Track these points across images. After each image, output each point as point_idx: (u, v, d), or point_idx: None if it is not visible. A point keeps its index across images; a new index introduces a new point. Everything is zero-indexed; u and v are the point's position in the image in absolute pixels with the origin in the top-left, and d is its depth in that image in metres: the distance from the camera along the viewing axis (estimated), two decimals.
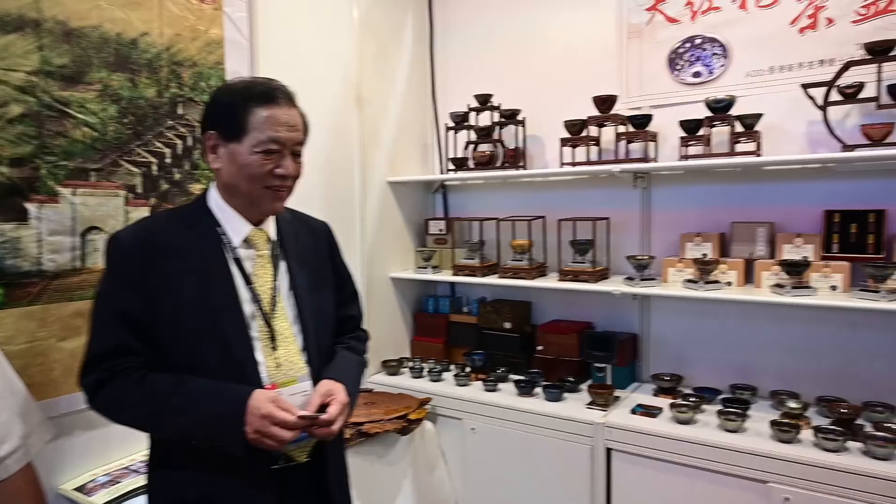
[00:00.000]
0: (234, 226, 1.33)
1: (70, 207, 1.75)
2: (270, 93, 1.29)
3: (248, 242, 1.34)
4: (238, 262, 1.31)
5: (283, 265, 1.39)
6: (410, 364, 2.86)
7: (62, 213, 1.73)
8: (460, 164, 2.87)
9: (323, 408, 1.26)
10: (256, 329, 1.29)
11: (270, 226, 1.39)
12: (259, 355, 1.28)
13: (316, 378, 1.34)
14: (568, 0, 2.71)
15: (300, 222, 1.51)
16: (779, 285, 2.12)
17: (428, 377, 2.75)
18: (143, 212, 1.88)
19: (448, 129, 2.90)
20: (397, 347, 3.02)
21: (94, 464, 1.78)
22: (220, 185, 1.34)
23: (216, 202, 1.34)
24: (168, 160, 1.98)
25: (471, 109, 2.81)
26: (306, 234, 1.49)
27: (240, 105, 1.26)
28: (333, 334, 1.48)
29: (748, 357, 2.38)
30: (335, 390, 1.30)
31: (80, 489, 1.68)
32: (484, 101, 2.78)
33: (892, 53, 1.96)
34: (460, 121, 2.85)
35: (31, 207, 1.66)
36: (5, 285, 1.61)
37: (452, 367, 2.87)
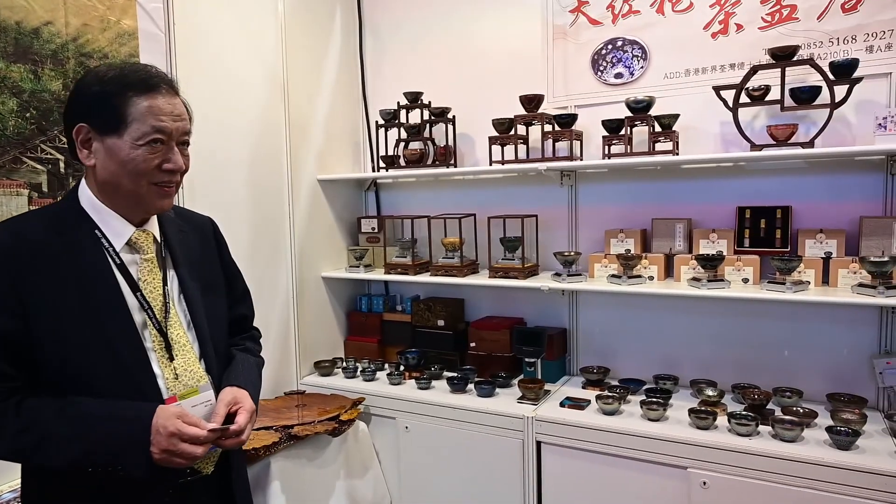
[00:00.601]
0: (114, 228, 1.21)
1: None
2: (150, 80, 1.17)
3: (131, 246, 1.23)
4: (122, 267, 1.20)
5: (170, 266, 1.30)
6: (343, 364, 2.83)
7: None
8: (391, 161, 2.85)
9: (230, 417, 1.21)
10: (150, 339, 1.20)
11: (154, 226, 1.28)
12: (155, 367, 1.20)
13: (217, 386, 1.28)
14: (496, 1, 2.73)
15: (184, 220, 1.41)
16: (696, 279, 2.21)
17: (361, 377, 2.73)
18: None
19: (378, 126, 2.87)
20: (330, 348, 2.97)
21: (7, 477, 1.66)
22: (95, 184, 1.20)
23: (90, 202, 1.20)
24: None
25: (401, 107, 2.80)
26: (192, 231, 1.40)
27: (116, 94, 1.14)
28: (227, 336, 1.42)
29: (670, 348, 2.48)
30: (240, 398, 1.26)
31: None
32: (414, 99, 2.77)
33: (794, 59, 2.08)
34: (390, 118, 2.83)
35: None
36: None
37: (386, 366, 2.86)
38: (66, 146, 1.84)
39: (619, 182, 2.53)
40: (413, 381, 2.61)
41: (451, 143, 2.74)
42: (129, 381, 1.16)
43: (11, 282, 1.10)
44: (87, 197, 1.21)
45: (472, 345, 2.73)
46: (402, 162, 2.83)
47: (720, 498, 1.92)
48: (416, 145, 2.80)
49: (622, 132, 2.35)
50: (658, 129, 2.30)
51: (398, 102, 2.80)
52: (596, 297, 2.60)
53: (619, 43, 2.50)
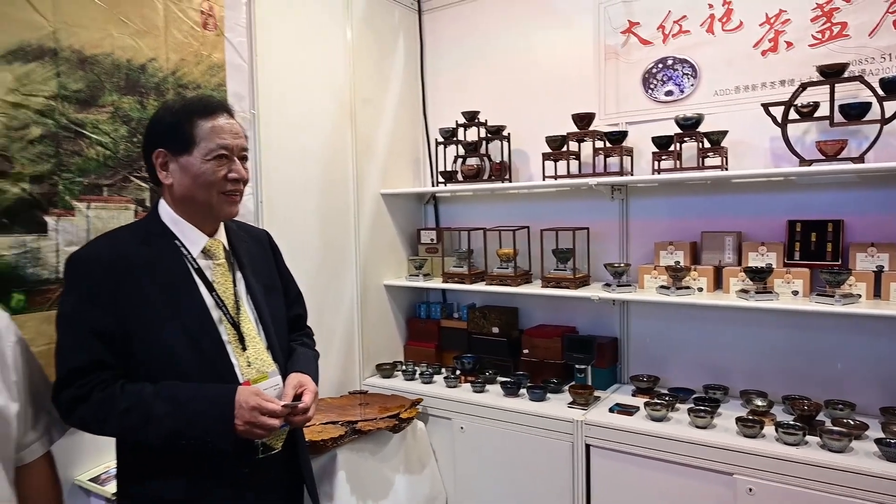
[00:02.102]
0: (191, 238, 1.43)
1: (85, 220, 1.89)
2: (210, 105, 1.42)
3: (205, 253, 1.44)
4: (199, 271, 1.41)
5: (238, 272, 1.50)
6: (403, 367, 3.00)
7: (77, 226, 1.88)
8: (449, 177, 3.02)
9: (297, 398, 1.41)
10: (225, 332, 1.40)
11: (223, 236, 1.50)
12: (231, 356, 1.39)
13: (283, 372, 1.48)
14: (549, 22, 2.88)
15: (244, 231, 1.64)
16: (744, 290, 2.26)
17: (420, 379, 2.89)
18: None
19: (437, 143, 3.05)
20: (391, 352, 3.15)
21: (107, 458, 1.91)
22: (173, 200, 1.42)
23: (170, 217, 1.43)
24: None
25: (459, 125, 2.97)
26: (252, 241, 1.62)
27: (185, 120, 1.38)
28: (287, 332, 1.63)
29: (720, 358, 2.53)
30: (305, 381, 1.46)
31: (94, 480, 1.82)
32: (471, 118, 2.94)
33: (843, 76, 2.12)
34: (449, 136, 3.01)
35: (49, 220, 1.81)
36: (26, 292, 1.76)
37: (443, 370, 3.01)
38: None
39: (669, 196, 2.61)
40: (468, 384, 2.75)
41: (506, 158, 2.89)
42: (211, 368, 1.36)
43: (110, 288, 1.31)
44: (166, 213, 1.43)
45: (525, 351, 2.85)
46: (459, 177, 3.00)
47: None
48: (472, 161, 2.96)
49: (671, 148, 2.44)
50: (707, 144, 2.37)
51: (456, 121, 2.97)
52: (646, 307, 2.68)
53: (670, 62, 2.58)
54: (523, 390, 2.63)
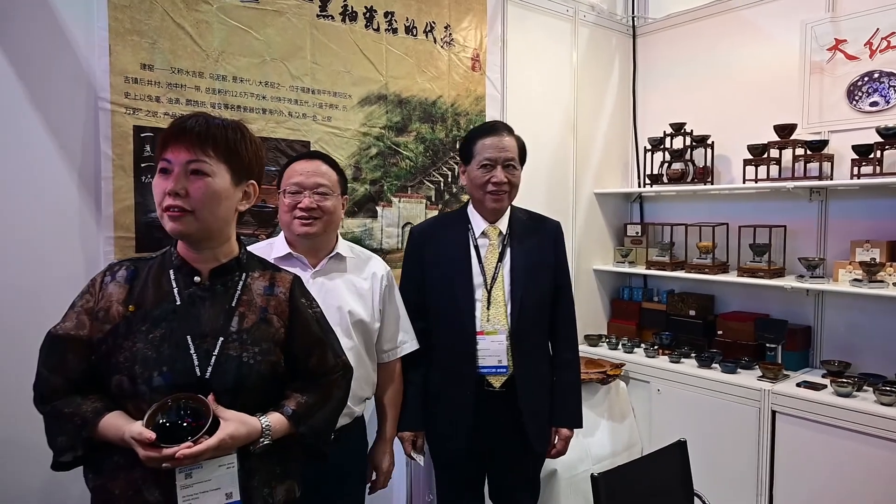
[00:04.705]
0: (477, 223, 2.00)
1: (397, 210, 2.78)
2: (489, 128, 1.97)
3: (484, 234, 2.00)
4: (476, 248, 1.98)
5: (508, 252, 1.98)
6: (607, 339, 3.57)
7: (393, 213, 2.77)
8: (655, 179, 3.51)
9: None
10: (479, 294, 1.94)
11: (503, 223, 2.01)
12: (477, 312, 1.94)
13: (512, 334, 1.93)
14: (755, 40, 3.22)
15: (533, 221, 2.09)
16: None
17: (622, 349, 3.44)
18: (434, 213, 2.87)
19: (646, 150, 3.56)
20: (595, 327, 3.74)
21: None
22: (469, 196, 2.06)
23: (470, 209, 2.04)
24: (449, 179, 2.96)
25: (666, 135, 3.45)
26: (535, 230, 2.05)
27: (471, 140, 1.97)
28: (541, 308, 2.02)
29: None
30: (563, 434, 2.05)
31: None
32: (678, 129, 3.40)
33: None
34: (657, 144, 3.50)
35: (378, 209, 2.72)
36: None
37: (642, 344, 3.52)
38: (444, 173, 2.93)
39: (869, 199, 2.84)
40: (665, 357, 3.24)
41: (708, 163, 3.30)
42: (461, 316, 1.93)
43: (420, 250, 2.03)
44: (470, 207, 2.07)
45: (720, 332, 3.25)
46: (664, 179, 3.47)
47: None
48: (677, 166, 3.42)
49: (871, 155, 2.68)
50: None
51: (664, 131, 3.45)
52: (841, 299, 2.92)
53: (876, 75, 2.81)
54: (716, 364, 3.05)
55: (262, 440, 1.25)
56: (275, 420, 1.28)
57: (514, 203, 2.08)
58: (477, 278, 1.96)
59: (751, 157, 3.08)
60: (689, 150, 3.37)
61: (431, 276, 2.00)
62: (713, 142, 3.29)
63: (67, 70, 1.98)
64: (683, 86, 3.55)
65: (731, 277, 3.11)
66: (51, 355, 1.27)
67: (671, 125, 3.41)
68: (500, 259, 1.98)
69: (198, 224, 1.23)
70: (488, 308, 1.95)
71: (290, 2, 2.40)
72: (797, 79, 3.06)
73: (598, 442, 3.03)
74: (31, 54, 1.93)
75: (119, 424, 1.20)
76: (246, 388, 1.26)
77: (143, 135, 2.09)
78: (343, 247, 1.86)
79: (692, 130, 3.36)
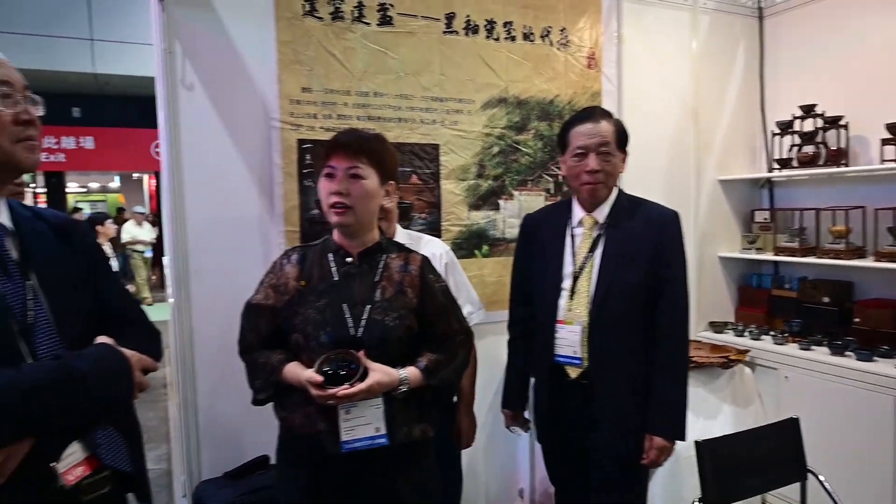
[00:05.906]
0: (576, 212, 2.00)
1: (518, 203, 3.03)
2: (583, 116, 1.94)
3: (581, 224, 1.99)
4: (572, 237, 1.99)
5: (601, 242, 1.93)
6: (733, 326, 3.55)
7: (513, 206, 3.02)
8: (785, 163, 3.43)
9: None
10: (567, 282, 1.94)
11: (601, 212, 1.96)
12: (562, 301, 1.94)
13: (591, 324, 1.88)
14: (893, 8, 3.04)
15: (639, 210, 1.96)
16: None
17: (748, 336, 3.41)
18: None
19: (774, 134, 3.49)
20: (721, 314, 3.72)
21: None
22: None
23: (574, 197, 2.04)
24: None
25: (795, 118, 3.36)
26: (640, 220, 1.93)
27: (566, 129, 1.96)
28: (631, 302, 1.90)
29: None
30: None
31: None
32: (808, 111, 3.30)
33: None
34: (786, 128, 3.41)
35: (501, 202, 2.99)
36: (489, 245, 2.97)
37: (771, 332, 3.46)
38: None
39: None
40: (795, 344, 3.18)
41: (842, 145, 3.18)
42: (546, 304, 1.99)
43: (527, 238, 2.15)
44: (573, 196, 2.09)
45: (857, 320, 3.13)
46: (794, 163, 3.39)
47: None
48: (808, 149, 3.32)
49: None
50: None
51: (793, 114, 3.37)
52: None
53: None
54: (850, 351, 2.95)
55: (401, 387, 1.57)
56: (411, 372, 1.60)
57: (630, 192, 2.05)
58: (567, 268, 1.97)
59: (889, 136, 2.94)
60: (820, 132, 3.27)
61: (534, 263, 2.09)
62: (847, 122, 3.16)
63: (248, 97, 2.48)
64: (814, 66, 3.43)
65: (868, 262, 2.99)
66: (248, 319, 1.70)
67: (801, 107, 3.32)
68: (593, 249, 1.94)
69: (356, 217, 1.58)
70: (571, 298, 1.95)
71: (419, 22, 2.74)
72: None
73: (720, 425, 3.07)
74: (221, 85, 2.44)
75: (297, 371, 1.59)
76: (388, 345, 1.59)
77: (304, 146, 2.54)
78: (401, 235, 2.14)
79: (824, 112, 3.25)
